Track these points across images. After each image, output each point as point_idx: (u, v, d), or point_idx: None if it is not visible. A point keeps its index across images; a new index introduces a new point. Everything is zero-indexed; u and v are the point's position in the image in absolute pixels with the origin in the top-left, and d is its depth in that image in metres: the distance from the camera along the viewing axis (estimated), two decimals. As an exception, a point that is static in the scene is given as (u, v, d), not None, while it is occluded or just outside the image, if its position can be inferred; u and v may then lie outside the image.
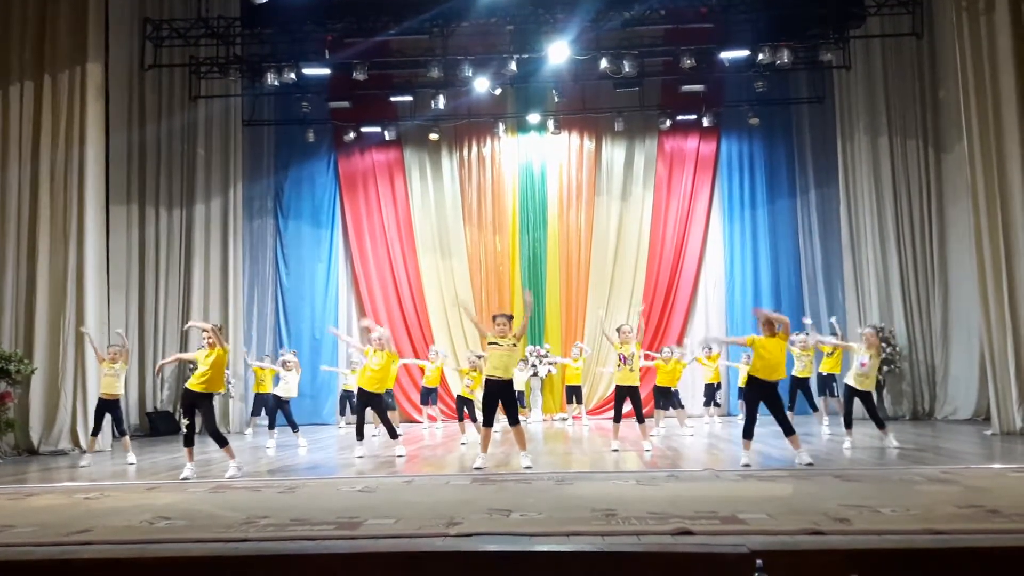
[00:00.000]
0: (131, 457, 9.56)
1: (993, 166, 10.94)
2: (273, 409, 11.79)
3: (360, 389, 9.91)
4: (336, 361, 16.31)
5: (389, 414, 10.85)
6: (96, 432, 9.95)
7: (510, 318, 8.40)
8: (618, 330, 9.96)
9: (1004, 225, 10.85)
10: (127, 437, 9.99)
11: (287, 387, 11.71)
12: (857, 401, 9.48)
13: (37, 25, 11.69)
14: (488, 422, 8.35)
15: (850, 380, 9.49)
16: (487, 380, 8.28)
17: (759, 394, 7.93)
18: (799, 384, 11.54)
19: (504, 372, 8.18)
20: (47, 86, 11.64)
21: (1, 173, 11.48)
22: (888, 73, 14.40)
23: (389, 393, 11.88)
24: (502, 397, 8.26)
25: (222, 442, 8.11)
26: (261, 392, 12.85)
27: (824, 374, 11.92)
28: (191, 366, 13.99)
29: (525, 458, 8.01)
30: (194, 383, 8.10)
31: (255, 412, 13.53)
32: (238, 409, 14.72)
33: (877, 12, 13.82)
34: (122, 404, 10.36)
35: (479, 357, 11.93)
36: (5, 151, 11.51)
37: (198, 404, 8.16)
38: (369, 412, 10.05)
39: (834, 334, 12.09)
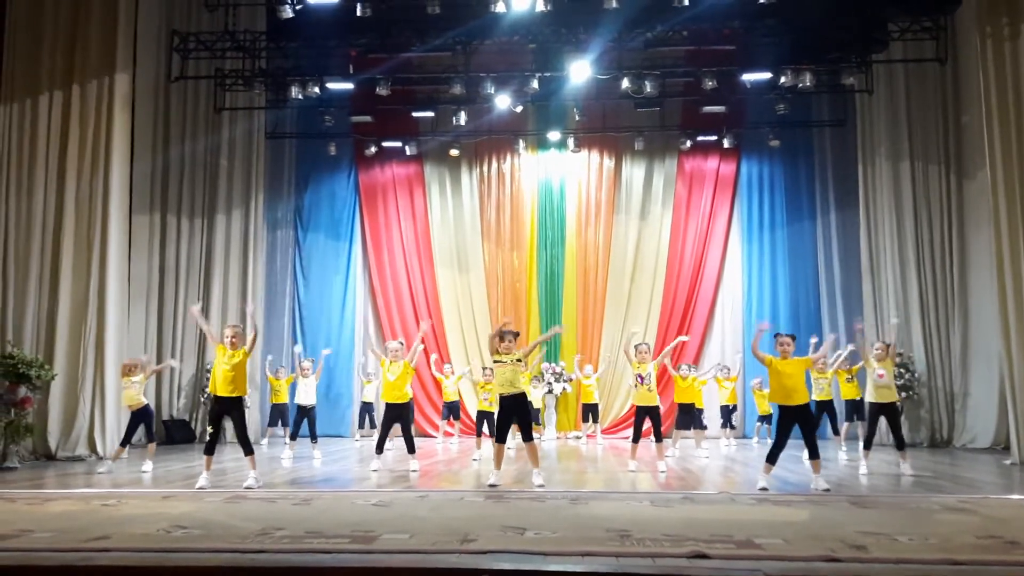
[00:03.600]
0: (147, 465, 9.62)
1: (1016, 193, 10.87)
2: (298, 420, 11.80)
3: (387, 404, 9.92)
4: (351, 372, 16.37)
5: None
6: (125, 443, 10.02)
7: (516, 335, 8.45)
8: (636, 348, 9.94)
9: (1027, 253, 10.78)
10: (154, 444, 10.10)
11: (307, 393, 11.74)
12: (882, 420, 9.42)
13: (68, 36, 11.89)
14: (501, 439, 8.35)
15: (872, 397, 9.41)
16: (500, 397, 8.31)
17: (792, 419, 7.81)
18: (824, 408, 11.48)
19: (511, 387, 8.16)
20: (76, 96, 11.81)
21: (28, 180, 11.66)
22: (911, 98, 14.38)
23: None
24: (517, 413, 8.27)
25: (249, 450, 8.12)
26: (278, 402, 12.90)
27: (856, 400, 11.85)
28: (208, 375, 14.15)
29: (538, 476, 7.99)
30: (223, 389, 8.00)
31: (272, 423, 13.58)
32: (254, 419, 14.74)
33: (900, 37, 13.83)
34: (151, 409, 10.50)
35: (491, 371, 11.96)
36: (33, 159, 11.68)
37: (230, 411, 8.14)
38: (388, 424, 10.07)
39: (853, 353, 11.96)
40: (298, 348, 13.37)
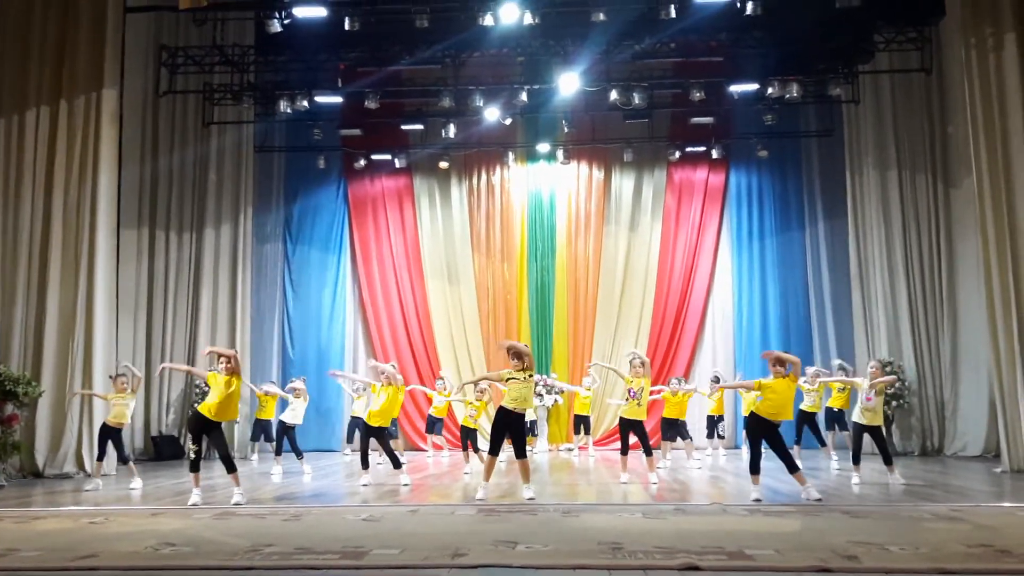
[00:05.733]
0: (136, 482, 9.54)
1: (1002, 201, 10.95)
2: (280, 435, 11.78)
3: (365, 423, 9.91)
4: (341, 387, 16.26)
5: (392, 443, 10.84)
6: (101, 457, 9.94)
7: (519, 355, 8.35)
8: (630, 363, 9.92)
9: (1013, 260, 10.83)
10: (131, 463, 9.98)
11: (294, 413, 11.71)
12: (867, 436, 9.43)
13: (55, 51, 11.84)
14: (494, 451, 8.33)
15: (857, 417, 9.45)
16: (503, 409, 8.22)
17: (761, 431, 7.89)
18: (806, 418, 11.49)
19: (522, 404, 8.16)
20: (63, 111, 11.75)
21: (15, 196, 11.59)
22: (897, 108, 14.47)
23: (393, 422, 11.86)
24: (512, 428, 8.24)
25: (231, 468, 8.07)
26: (262, 418, 12.86)
27: (835, 409, 11.87)
28: (198, 389, 14.09)
29: (528, 490, 7.97)
30: (208, 411, 7.97)
31: (254, 437, 13.56)
32: (245, 433, 14.66)
33: (886, 48, 13.95)
34: (125, 431, 10.34)
35: (482, 391, 11.99)
36: (20, 175, 11.61)
37: (208, 431, 8.09)
38: (371, 441, 10.03)
39: (843, 370, 12.05)
40: (297, 382, 13.04)
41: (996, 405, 11.07)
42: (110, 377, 10.48)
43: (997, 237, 10.95)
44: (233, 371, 7.97)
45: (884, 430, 9.73)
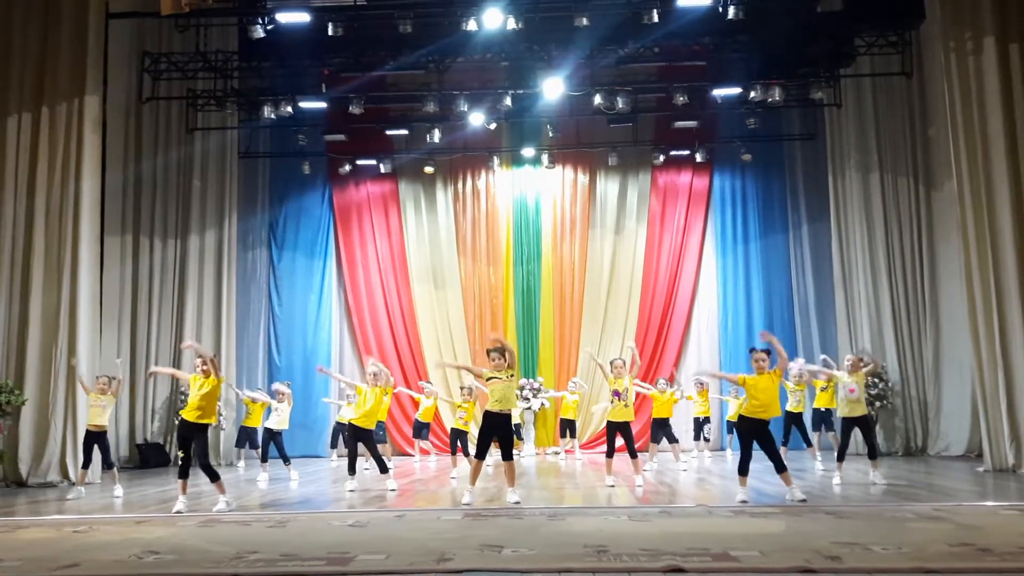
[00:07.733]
0: (118, 490, 9.48)
1: (983, 204, 11.04)
2: (266, 442, 11.71)
3: (351, 424, 9.88)
4: (329, 392, 16.24)
5: (380, 447, 10.82)
6: (86, 465, 9.86)
7: (502, 351, 8.38)
8: (611, 364, 9.93)
9: (994, 262, 10.92)
10: (115, 469, 9.92)
11: (279, 419, 11.64)
12: (855, 432, 9.48)
13: (37, 57, 11.77)
14: (481, 455, 8.35)
15: (843, 412, 9.49)
16: (488, 413, 8.24)
17: (752, 432, 7.92)
18: (793, 419, 11.54)
19: (506, 404, 8.17)
20: (45, 118, 11.67)
21: (-3, 203, 11.51)
22: (879, 111, 14.59)
23: (380, 426, 11.85)
24: (499, 431, 8.25)
25: (213, 476, 8.03)
26: (247, 425, 12.81)
27: (821, 409, 11.93)
28: (183, 396, 14.01)
29: (513, 494, 7.98)
30: (189, 414, 7.94)
31: (239, 444, 13.52)
32: (230, 440, 14.60)
33: (867, 52, 14.07)
34: (110, 436, 10.27)
35: (470, 391, 12.02)
36: (2, 182, 11.52)
37: (193, 436, 8.04)
38: (359, 445, 10.00)
39: (827, 365, 12.11)
40: (281, 386, 12.89)
41: (978, 405, 11.16)
42: (96, 378, 10.40)
43: (978, 239, 11.04)
44: (208, 373, 7.95)
45: (871, 419, 9.78)
